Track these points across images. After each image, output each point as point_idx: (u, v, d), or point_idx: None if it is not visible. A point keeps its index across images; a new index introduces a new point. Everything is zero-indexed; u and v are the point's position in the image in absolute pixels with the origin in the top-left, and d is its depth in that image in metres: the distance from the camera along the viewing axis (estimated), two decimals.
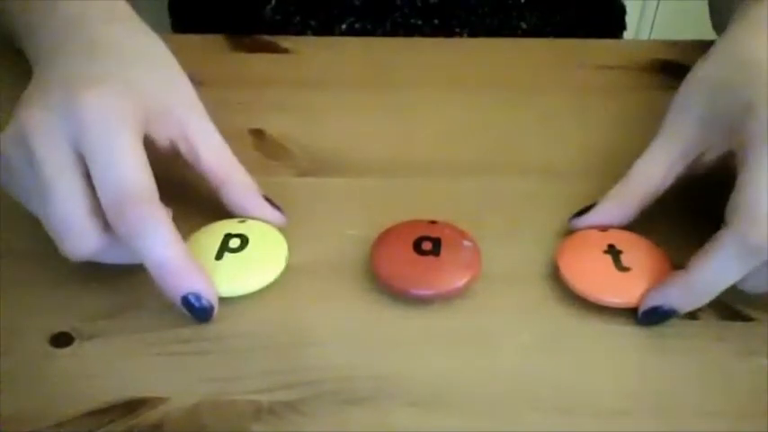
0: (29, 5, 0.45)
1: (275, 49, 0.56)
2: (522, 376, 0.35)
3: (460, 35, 0.63)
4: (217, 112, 0.51)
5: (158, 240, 0.34)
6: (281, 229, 0.41)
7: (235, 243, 0.39)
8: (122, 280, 0.39)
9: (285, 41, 0.57)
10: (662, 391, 0.34)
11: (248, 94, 0.51)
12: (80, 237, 0.35)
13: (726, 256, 0.34)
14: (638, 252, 0.38)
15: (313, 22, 0.62)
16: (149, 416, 0.33)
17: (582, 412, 0.33)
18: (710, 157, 0.39)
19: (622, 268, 0.38)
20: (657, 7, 1.40)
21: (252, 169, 0.46)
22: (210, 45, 0.54)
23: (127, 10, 0.43)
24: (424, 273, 0.38)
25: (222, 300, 0.38)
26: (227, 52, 0.55)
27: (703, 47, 0.43)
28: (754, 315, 0.37)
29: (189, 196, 0.42)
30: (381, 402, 0.34)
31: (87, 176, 0.35)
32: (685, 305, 0.36)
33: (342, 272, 0.39)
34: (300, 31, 0.62)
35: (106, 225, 0.35)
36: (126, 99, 0.37)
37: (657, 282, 0.37)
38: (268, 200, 0.41)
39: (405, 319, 0.37)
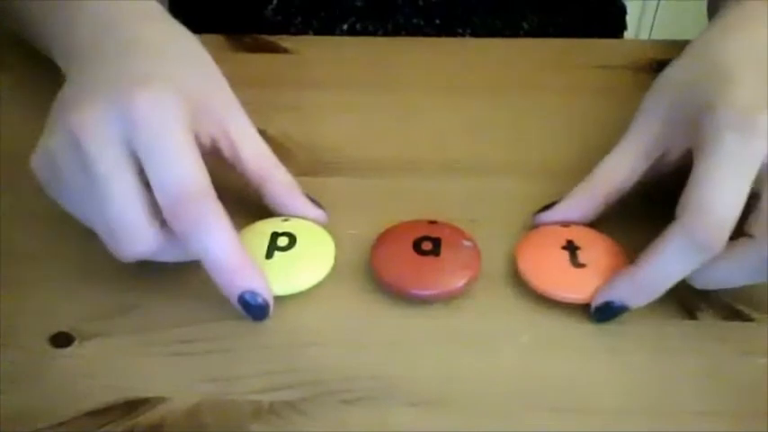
0: (53, 5, 0.45)
1: (275, 49, 0.57)
2: (522, 376, 0.35)
3: (462, 35, 0.63)
4: None
5: (216, 238, 0.34)
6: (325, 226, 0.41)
7: (283, 241, 0.39)
8: (122, 280, 0.39)
9: (285, 41, 0.57)
10: (662, 391, 0.34)
11: (248, 94, 0.51)
12: (139, 236, 0.35)
13: (673, 252, 0.34)
14: (596, 249, 0.38)
15: (314, 23, 0.62)
16: (149, 416, 0.33)
17: (582, 412, 0.33)
18: (673, 156, 0.39)
19: (578, 264, 0.38)
20: (657, 7, 1.40)
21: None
22: (210, 45, 0.54)
23: (160, 9, 0.43)
24: (424, 273, 0.38)
25: (221, 300, 0.38)
26: (228, 52, 0.55)
27: None
28: (754, 315, 0.37)
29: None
30: (381, 402, 0.34)
31: (141, 175, 0.35)
32: (635, 300, 0.36)
33: (342, 272, 0.39)
34: (302, 31, 0.62)
35: (162, 223, 0.35)
36: (176, 97, 0.36)
37: (611, 276, 0.37)
38: (310, 198, 0.41)
39: (405, 319, 0.37)
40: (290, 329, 0.37)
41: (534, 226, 0.41)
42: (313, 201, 0.41)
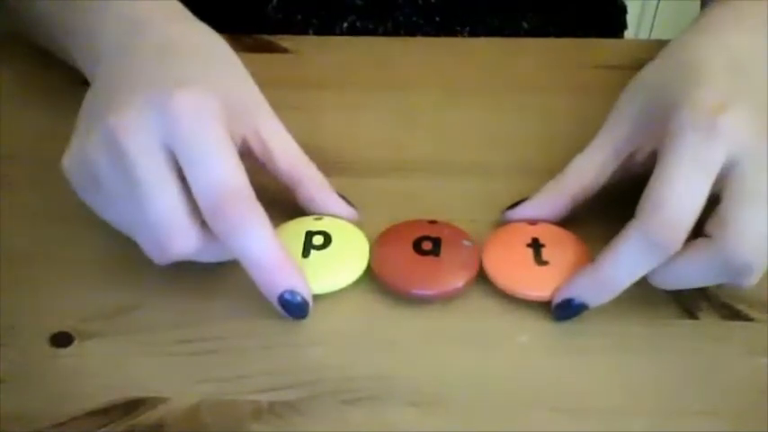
0: (74, 5, 0.45)
1: (275, 48, 0.56)
2: (522, 376, 0.35)
3: (462, 35, 0.63)
4: None
5: (256, 238, 0.35)
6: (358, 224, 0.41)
7: (318, 240, 0.39)
8: (122, 280, 0.39)
9: (285, 41, 0.57)
10: (662, 391, 0.34)
11: None
12: (181, 238, 0.35)
13: (630, 251, 0.35)
14: (560, 247, 0.39)
15: (315, 21, 0.62)
16: (149, 416, 0.33)
17: (582, 412, 0.33)
18: (642, 156, 0.39)
19: (541, 262, 0.38)
20: (657, 7, 1.40)
21: (252, 169, 0.46)
22: None
23: (184, 10, 0.43)
24: (424, 273, 0.38)
25: (221, 300, 0.38)
26: None
27: None
28: (755, 315, 0.37)
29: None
30: (381, 402, 0.34)
31: (181, 175, 0.35)
32: (595, 299, 0.36)
33: None
34: (302, 29, 0.62)
35: (202, 223, 0.35)
36: (214, 99, 0.36)
37: (574, 274, 0.37)
38: (341, 196, 0.41)
39: (405, 319, 0.37)
40: (290, 329, 0.37)
41: (502, 222, 0.41)
42: (344, 198, 0.42)
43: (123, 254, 0.41)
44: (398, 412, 0.34)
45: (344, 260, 0.39)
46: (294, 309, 0.36)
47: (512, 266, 0.38)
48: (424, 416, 0.33)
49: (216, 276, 0.39)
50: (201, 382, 0.35)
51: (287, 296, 0.36)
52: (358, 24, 0.62)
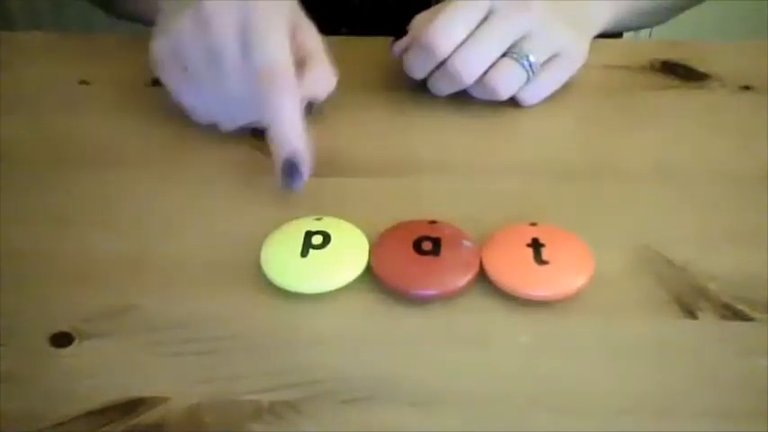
0: None
1: None
2: (522, 376, 0.35)
3: None
4: None
5: (283, 108, 0.43)
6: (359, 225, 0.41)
7: (317, 240, 0.39)
8: (122, 280, 0.39)
9: None
10: (662, 391, 0.34)
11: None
12: (249, 105, 0.44)
13: (410, 56, 0.50)
14: (560, 246, 0.39)
15: (314, 24, 0.62)
16: (149, 416, 0.33)
17: (582, 412, 0.33)
18: None
19: (542, 262, 0.38)
20: None
21: (252, 169, 0.46)
22: None
23: None
24: (424, 273, 0.38)
25: (221, 299, 0.38)
26: None
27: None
28: (754, 315, 0.37)
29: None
30: (381, 402, 0.34)
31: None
32: None
33: None
34: None
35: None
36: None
37: (574, 275, 0.37)
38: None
39: (405, 319, 0.37)
40: (289, 329, 0.37)
41: (502, 223, 0.41)
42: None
43: (123, 254, 0.41)
44: (398, 412, 0.34)
45: (343, 259, 0.39)
46: (295, 173, 0.43)
47: (512, 266, 0.38)
48: (424, 416, 0.33)
49: (216, 276, 0.39)
50: (201, 382, 0.35)
51: (293, 160, 0.42)
52: (357, 29, 0.62)
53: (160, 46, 0.47)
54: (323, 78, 0.48)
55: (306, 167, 0.43)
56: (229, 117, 0.47)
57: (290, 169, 0.43)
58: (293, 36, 0.47)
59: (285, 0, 0.47)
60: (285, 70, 0.44)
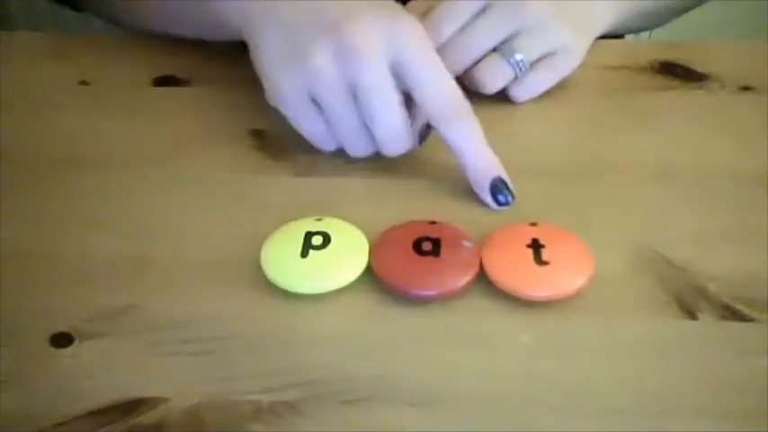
0: None
1: None
2: (522, 376, 0.35)
3: None
4: (217, 112, 0.52)
5: (477, 139, 0.43)
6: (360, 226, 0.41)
7: (317, 241, 0.39)
8: (122, 280, 0.39)
9: None
10: (662, 391, 0.34)
11: (248, 94, 0.51)
12: (405, 139, 0.43)
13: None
14: (560, 246, 0.39)
15: None
16: (149, 416, 0.33)
17: (582, 412, 0.33)
18: None
19: (542, 262, 0.38)
20: None
21: (252, 169, 0.46)
22: (211, 45, 0.54)
23: None
24: (424, 273, 0.38)
25: (221, 299, 0.38)
26: (228, 52, 0.55)
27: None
28: (754, 315, 0.37)
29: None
30: (381, 402, 0.34)
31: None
32: None
33: None
34: None
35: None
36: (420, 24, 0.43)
37: (574, 275, 0.37)
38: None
39: (405, 319, 0.37)
40: (289, 329, 0.37)
41: (502, 223, 0.41)
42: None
43: (123, 254, 0.41)
44: (398, 412, 0.34)
45: (343, 260, 0.39)
46: (503, 193, 0.42)
47: (512, 266, 0.38)
48: (424, 416, 0.33)
49: (216, 276, 0.39)
50: (201, 382, 0.35)
51: (498, 183, 0.42)
52: None
53: (289, 85, 0.42)
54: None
55: (508, 181, 0.43)
56: (394, 150, 0.44)
57: (496, 192, 0.42)
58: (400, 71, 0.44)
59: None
60: (460, 99, 0.42)
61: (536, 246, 0.39)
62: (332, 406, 0.34)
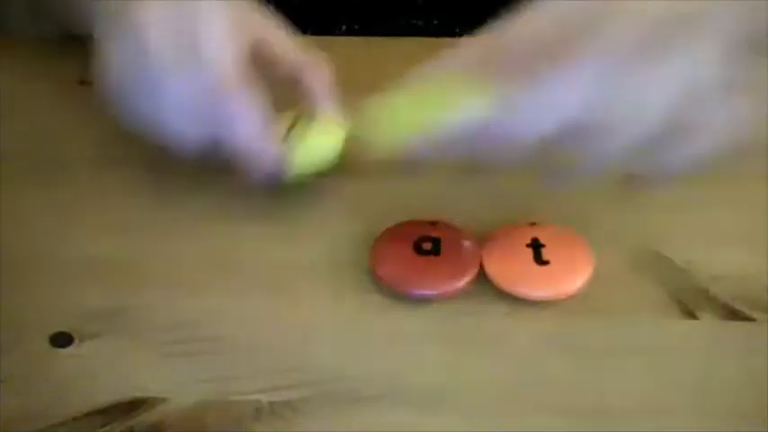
0: None
1: None
2: (522, 376, 0.35)
3: (460, 36, 0.63)
4: None
5: (241, 125, 0.40)
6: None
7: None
8: (122, 280, 0.39)
9: None
10: (662, 391, 0.34)
11: None
12: (194, 123, 0.40)
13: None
14: (560, 245, 0.39)
15: (314, 23, 0.62)
16: (149, 416, 0.33)
17: (582, 412, 0.33)
18: None
19: (542, 262, 0.38)
20: None
21: None
22: None
23: None
24: (424, 273, 0.38)
25: (221, 300, 0.38)
26: None
27: None
28: (754, 315, 0.37)
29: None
30: (381, 402, 0.34)
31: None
32: None
33: (342, 272, 0.39)
34: (300, 32, 0.62)
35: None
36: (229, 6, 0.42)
37: (574, 275, 0.37)
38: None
39: (405, 318, 0.37)
40: (290, 329, 0.37)
41: (502, 223, 0.40)
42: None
43: (123, 254, 0.41)
44: (398, 412, 0.34)
45: (321, 137, 0.42)
46: (271, 183, 0.41)
47: (512, 266, 0.38)
48: (424, 416, 0.33)
49: (216, 276, 0.39)
50: (201, 382, 0.35)
51: (270, 179, 0.40)
52: (356, 27, 0.62)
53: (104, 62, 0.43)
54: (317, 79, 0.46)
55: (274, 168, 0.41)
56: (178, 131, 0.42)
57: (262, 179, 0.41)
58: (260, 51, 0.44)
59: (235, 10, 0.43)
60: (234, 83, 0.40)
61: (536, 245, 0.39)
62: (332, 406, 0.34)
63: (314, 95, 0.44)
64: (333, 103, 0.44)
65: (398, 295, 0.38)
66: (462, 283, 0.38)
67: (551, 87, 0.34)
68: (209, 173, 0.46)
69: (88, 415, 0.33)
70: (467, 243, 0.39)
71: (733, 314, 0.37)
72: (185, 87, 0.40)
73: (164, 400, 0.34)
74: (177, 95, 0.40)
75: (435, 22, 0.63)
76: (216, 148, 0.41)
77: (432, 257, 0.38)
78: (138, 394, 0.34)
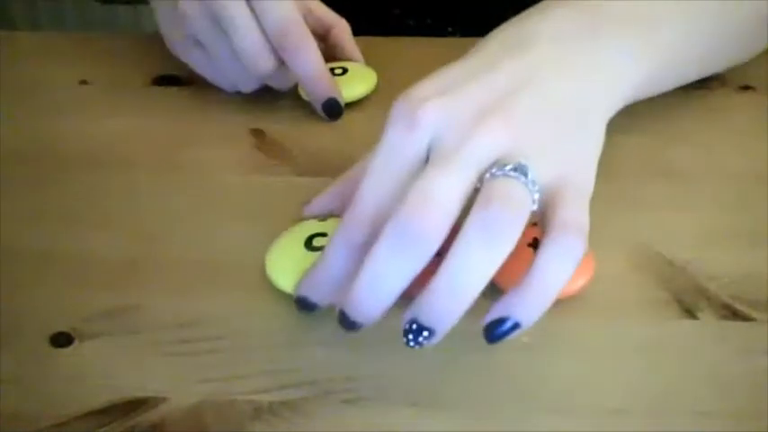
0: None
1: None
2: (522, 376, 0.35)
3: (453, 35, 0.63)
4: (217, 112, 0.52)
5: (308, 58, 0.48)
6: None
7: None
8: (122, 280, 0.39)
9: None
10: (662, 391, 0.34)
11: (248, 94, 0.51)
12: (264, 59, 0.48)
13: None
14: None
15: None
16: (149, 416, 0.33)
17: (582, 412, 0.33)
18: None
19: None
20: None
21: (252, 169, 0.46)
22: None
23: None
24: (424, 273, 0.38)
25: (221, 299, 0.38)
26: None
27: None
28: (754, 315, 0.37)
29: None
30: (381, 402, 0.34)
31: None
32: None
33: None
34: None
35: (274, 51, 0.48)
36: None
37: (574, 275, 0.37)
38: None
39: None
40: (290, 329, 0.37)
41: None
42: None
43: (123, 254, 0.41)
44: (398, 412, 0.33)
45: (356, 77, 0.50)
46: (335, 111, 0.49)
47: (512, 266, 0.38)
48: (424, 416, 0.33)
49: (216, 276, 0.39)
50: (201, 382, 0.35)
51: (331, 102, 0.49)
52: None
53: (170, 32, 0.51)
54: (346, 31, 0.55)
55: (341, 100, 0.50)
56: (246, 81, 0.50)
57: (331, 110, 0.49)
58: (308, 10, 0.52)
59: None
60: (299, 26, 0.47)
61: (537, 245, 0.38)
62: (332, 406, 0.34)
63: (345, 45, 0.53)
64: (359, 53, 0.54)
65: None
66: None
67: None
68: (210, 172, 0.46)
69: (88, 415, 0.33)
70: None
71: (733, 314, 0.37)
72: (257, 30, 0.47)
73: (164, 400, 0.34)
74: (253, 35, 0.47)
75: (428, 21, 0.63)
76: (277, 79, 0.49)
77: (432, 257, 0.38)
78: (138, 394, 0.34)
